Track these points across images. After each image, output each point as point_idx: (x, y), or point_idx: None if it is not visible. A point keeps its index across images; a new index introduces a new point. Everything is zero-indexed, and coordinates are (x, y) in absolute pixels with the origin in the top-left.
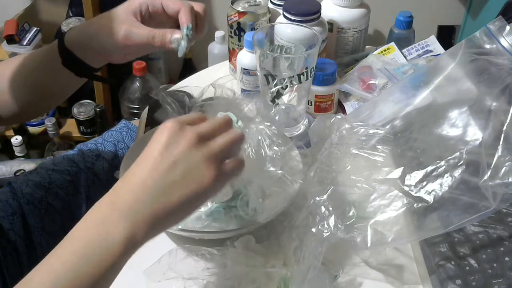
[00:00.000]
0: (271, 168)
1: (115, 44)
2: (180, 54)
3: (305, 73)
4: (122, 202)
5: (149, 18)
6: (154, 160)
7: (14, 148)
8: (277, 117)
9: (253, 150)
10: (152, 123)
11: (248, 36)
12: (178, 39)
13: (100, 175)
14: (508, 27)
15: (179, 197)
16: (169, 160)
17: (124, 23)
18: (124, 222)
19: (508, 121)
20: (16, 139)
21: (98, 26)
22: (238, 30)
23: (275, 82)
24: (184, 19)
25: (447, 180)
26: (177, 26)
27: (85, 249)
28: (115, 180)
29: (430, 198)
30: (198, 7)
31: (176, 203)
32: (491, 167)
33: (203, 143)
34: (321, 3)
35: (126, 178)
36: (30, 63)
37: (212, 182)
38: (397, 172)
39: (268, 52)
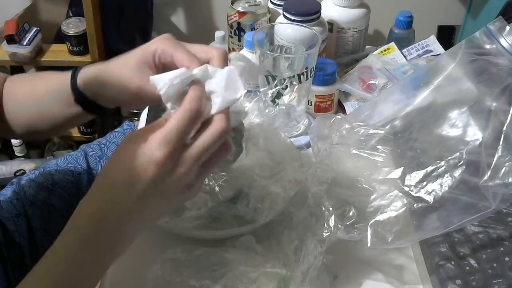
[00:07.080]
0: (274, 168)
1: (125, 100)
2: None
3: (305, 73)
4: None
5: (162, 68)
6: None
7: (14, 148)
8: (277, 118)
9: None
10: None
11: (248, 36)
12: None
13: None
14: (508, 27)
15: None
16: (156, 195)
17: (136, 78)
18: None
19: (508, 121)
20: (16, 139)
21: (111, 77)
22: (238, 30)
23: (275, 83)
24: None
25: (447, 180)
26: None
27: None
28: None
29: (430, 198)
30: (215, 54)
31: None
32: (491, 167)
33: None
34: (321, 3)
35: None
36: (42, 90)
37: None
38: (397, 172)
39: (268, 52)
